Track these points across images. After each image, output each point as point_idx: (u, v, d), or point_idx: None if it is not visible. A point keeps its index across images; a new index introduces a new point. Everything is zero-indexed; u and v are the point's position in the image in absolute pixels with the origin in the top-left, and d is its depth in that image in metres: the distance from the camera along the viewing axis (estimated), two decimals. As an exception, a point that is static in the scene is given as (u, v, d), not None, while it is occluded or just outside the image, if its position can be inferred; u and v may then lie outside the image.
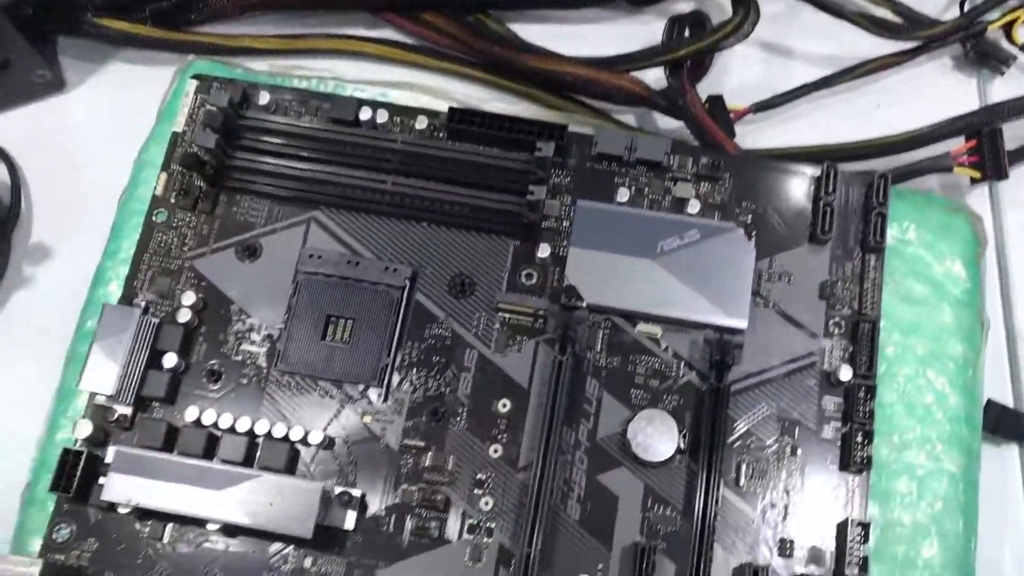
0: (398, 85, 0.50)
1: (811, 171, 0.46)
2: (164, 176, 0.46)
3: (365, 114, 0.46)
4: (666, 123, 0.53)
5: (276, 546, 0.40)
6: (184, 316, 0.43)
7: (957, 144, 0.49)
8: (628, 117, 0.53)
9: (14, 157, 0.52)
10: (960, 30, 0.52)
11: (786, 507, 0.41)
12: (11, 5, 0.48)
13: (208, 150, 0.44)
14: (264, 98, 0.47)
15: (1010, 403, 0.47)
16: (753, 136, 0.52)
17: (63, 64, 0.54)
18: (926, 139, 0.49)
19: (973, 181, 0.50)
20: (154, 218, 0.45)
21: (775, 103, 0.52)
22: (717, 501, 0.40)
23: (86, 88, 0.54)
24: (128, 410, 0.42)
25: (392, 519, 0.41)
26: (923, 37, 0.52)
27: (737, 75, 0.54)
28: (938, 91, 0.53)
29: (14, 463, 0.45)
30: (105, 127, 0.53)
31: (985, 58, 0.54)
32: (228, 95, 0.45)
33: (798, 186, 0.46)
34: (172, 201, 0.46)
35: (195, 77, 0.48)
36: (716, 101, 0.51)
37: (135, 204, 0.47)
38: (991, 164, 0.48)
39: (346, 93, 0.49)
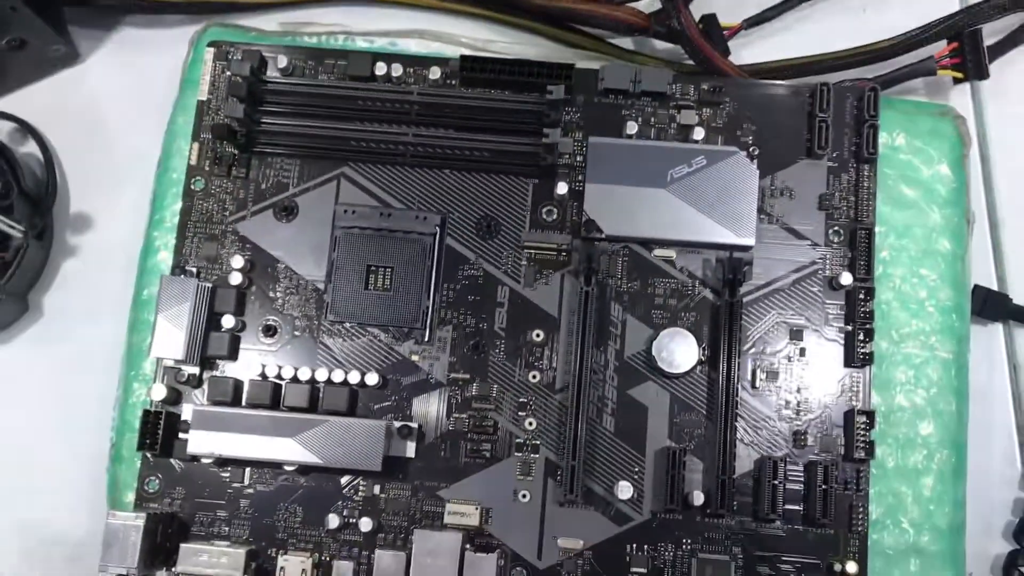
0: (407, 34, 0.52)
1: (805, 89, 0.48)
2: (196, 146, 0.48)
3: (380, 69, 0.48)
4: (664, 44, 0.55)
5: (347, 478, 0.45)
6: (235, 279, 0.47)
7: (940, 48, 0.52)
8: (628, 43, 0.55)
9: (41, 131, 0.54)
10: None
11: (798, 403, 0.46)
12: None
13: (237, 119, 0.47)
14: (282, 61, 0.48)
15: (994, 287, 0.51)
16: (747, 51, 0.54)
17: (73, 34, 0.55)
18: (910, 44, 0.52)
19: (956, 81, 0.52)
20: (192, 187, 0.48)
21: (766, 17, 0.54)
22: (736, 404, 0.45)
23: (100, 56, 0.56)
24: (196, 370, 0.46)
25: (447, 445, 0.46)
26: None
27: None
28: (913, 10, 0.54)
29: (92, 422, 0.50)
30: (123, 93, 0.55)
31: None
32: (248, 63, 0.47)
33: (794, 105, 0.48)
34: (207, 169, 0.48)
35: (211, 45, 0.50)
36: (710, 20, 0.53)
37: (171, 174, 0.50)
38: (972, 65, 0.51)
39: (357, 46, 0.51)
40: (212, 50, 0.50)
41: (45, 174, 0.52)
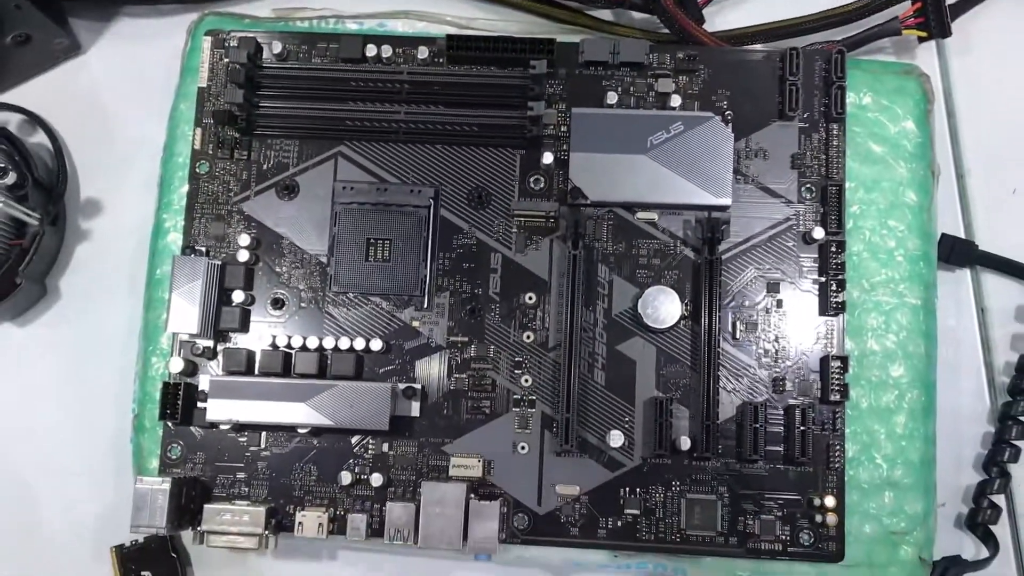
0: (394, 14, 0.54)
1: (776, 54, 0.51)
2: (199, 131, 0.51)
3: (371, 50, 0.51)
4: (641, 15, 0.57)
5: (357, 438, 0.48)
6: (243, 256, 0.49)
7: (905, 8, 0.54)
8: (607, 15, 0.57)
9: (49, 122, 0.56)
10: None
11: (776, 352, 0.49)
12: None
13: (237, 104, 0.49)
14: (277, 47, 0.51)
15: (961, 235, 0.54)
16: (720, 18, 0.57)
17: (74, 26, 0.58)
18: (877, 6, 0.54)
19: (921, 40, 0.55)
20: (197, 170, 0.51)
21: None
22: (718, 354, 0.48)
23: (100, 47, 0.58)
24: (210, 343, 0.49)
25: (449, 403, 0.49)
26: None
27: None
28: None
29: (111, 396, 0.53)
30: (124, 81, 0.57)
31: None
32: (245, 50, 0.49)
33: (765, 69, 0.51)
34: (210, 152, 0.51)
35: (208, 33, 0.52)
36: None
37: (176, 158, 0.52)
38: (935, 23, 0.53)
39: (347, 29, 0.53)
40: (209, 38, 0.52)
41: (55, 163, 0.55)
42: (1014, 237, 0.53)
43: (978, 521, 0.50)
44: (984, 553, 0.50)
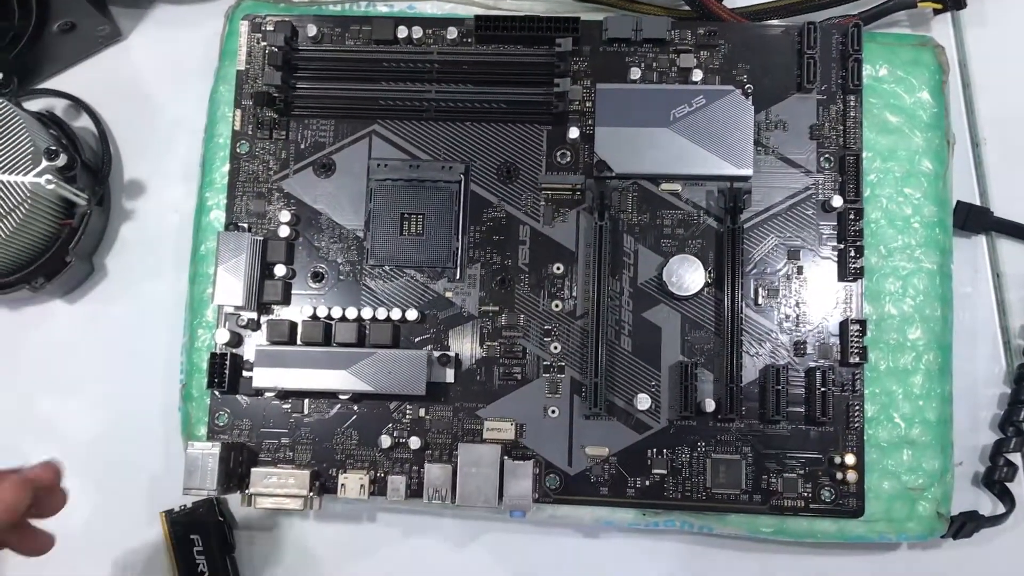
0: (419, -7, 0.56)
1: (794, 29, 0.52)
2: (239, 112, 0.53)
3: (402, 32, 0.53)
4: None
5: (395, 403, 0.50)
6: (284, 232, 0.52)
7: (920, -20, 0.55)
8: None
9: (93, 106, 0.59)
10: None
11: (797, 316, 0.50)
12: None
13: (276, 87, 0.51)
14: (312, 30, 0.53)
15: (977, 201, 0.55)
16: None
17: (115, 14, 0.60)
18: None
19: (936, 12, 0.56)
20: (238, 150, 0.53)
21: None
22: (741, 320, 0.49)
23: (140, 33, 0.61)
24: (254, 315, 0.51)
25: (483, 370, 0.51)
26: None
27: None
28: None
29: (159, 368, 0.55)
30: (164, 66, 0.60)
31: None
32: (282, 34, 0.52)
33: (784, 44, 0.52)
34: (250, 133, 0.53)
35: (245, 18, 0.54)
36: None
37: (217, 139, 0.54)
38: None
39: (378, 11, 0.55)
40: (247, 23, 0.54)
41: (100, 145, 0.57)
42: None
43: (995, 479, 0.51)
44: (1001, 509, 0.51)
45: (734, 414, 0.49)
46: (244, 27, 0.54)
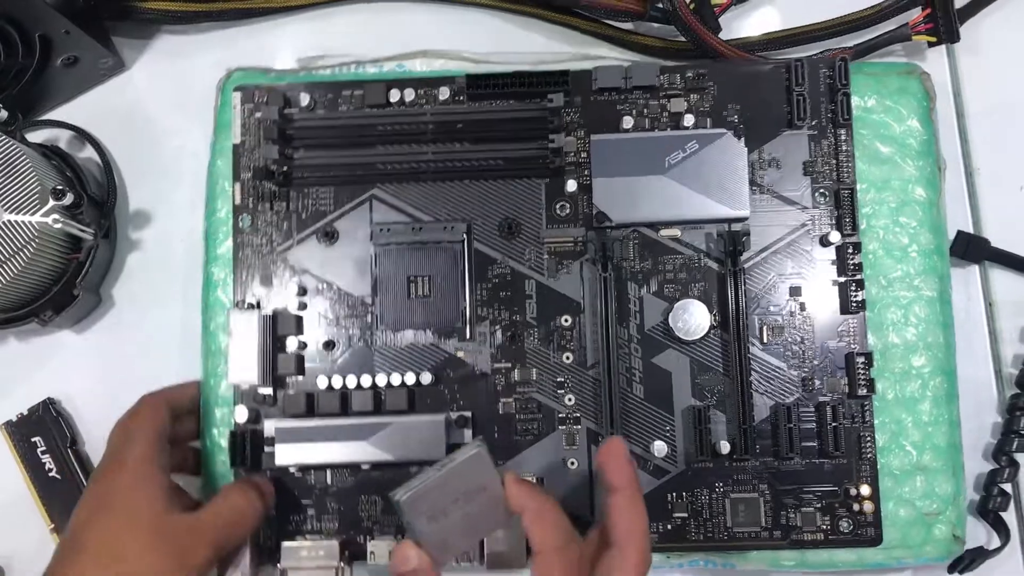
0: (412, 55, 0.56)
1: (781, 66, 0.53)
2: (238, 186, 0.53)
3: (394, 95, 0.53)
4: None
5: (416, 468, 0.51)
6: (292, 304, 0.52)
7: (915, 14, 0.56)
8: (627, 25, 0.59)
9: (97, 137, 0.59)
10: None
11: (803, 352, 0.51)
12: (65, 2, 0.54)
13: (274, 159, 0.52)
14: (304, 99, 0.53)
15: (970, 230, 0.56)
16: (736, 24, 0.59)
17: (118, 45, 0.60)
18: (887, 12, 0.56)
19: (930, 45, 0.56)
20: (240, 224, 0.53)
21: None
22: (749, 360, 0.50)
23: (143, 64, 0.61)
24: (269, 390, 0.52)
25: (500, 427, 0.51)
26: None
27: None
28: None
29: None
30: (168, 95, 0.61)
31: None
32: (275, 106, 0.52)
33: (772, 81, 0.53)
34: (251, 206, 0.53)
35: (237, 89, 0.54)
36: (701, 2, 0.56)
37: (218, 213, 0.54)
38: (944, 29, 0.55)
39: (368, 73, 0.55)
40: (239, 94, 0.54)
41: (104, 177, 0.58)
42: (1021, 232, 0.56)
43: (989, 508, 0.53)
44: (995, 538, 0.53)
45: (749, 454, 0.50)
46: (236, 99, 0.54)
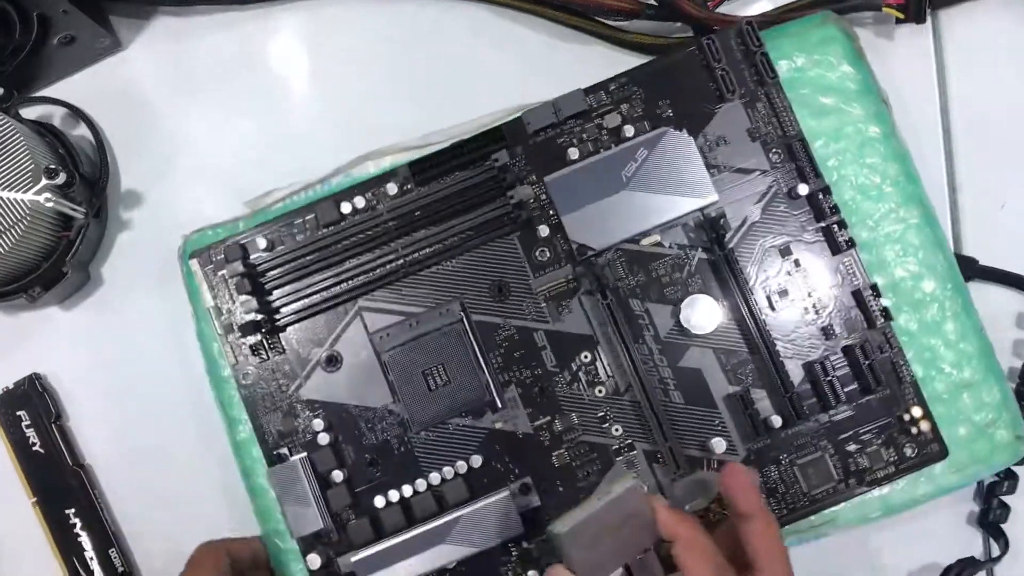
0: (355, 163, 0.56)
1: (694, 48, 0.54)
2: (228, 347, 0.53)
3: (345, 208, 0.53)
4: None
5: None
6: (323, 439, 0.52)
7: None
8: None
9: (91, 115, 0.59)
10: None
11: (813, 305, 0.52)
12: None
13: (255, 311, 0.52)
14: (261, 242, 0.53)
15: (951, 244, 0.56)
16: (726, 8, 0.58)
17: (115, 24, 0.61)
18: None
19: (898, 21, 0.57)
20: (243, 382, 0.53)
21: None
22: (768, 332, 0.51)
23: (140, 45, 0.62)
24: (331, 526, 0.51)
25: (561, 480, 0.52)
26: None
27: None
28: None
29: (153, 378, 0.58)
30: (164, 75, 0.61)
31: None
32: (237, 261, 0.52)
33: (691, 65, 0.54)
34: (247, 360, 0.53)
35: (192, 256, 0.54)
36: None
37: (221, 376, 0.54)
38: (914, 7, 0.55)
39: (319, 194, 0.55)
40: (195, 260, 0.54)
41: (97, 155, 0.58)
42: (1001, 249, 0.56)
43: (989, 520, 0.55)
44: (995, 548, 0.55)
45: (800, 418, 0.51)
46: (195, 265, 0.54)
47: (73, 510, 0.57)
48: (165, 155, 0.60)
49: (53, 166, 0.53)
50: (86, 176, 0.57)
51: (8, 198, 0.52)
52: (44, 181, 0.53)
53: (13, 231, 0.52)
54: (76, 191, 0.55)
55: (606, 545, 0.45)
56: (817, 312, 0.52)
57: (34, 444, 0.57)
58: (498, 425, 0.52)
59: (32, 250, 0.55)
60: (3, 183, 0.53)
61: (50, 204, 0.53)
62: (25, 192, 0.53)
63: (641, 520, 0.45)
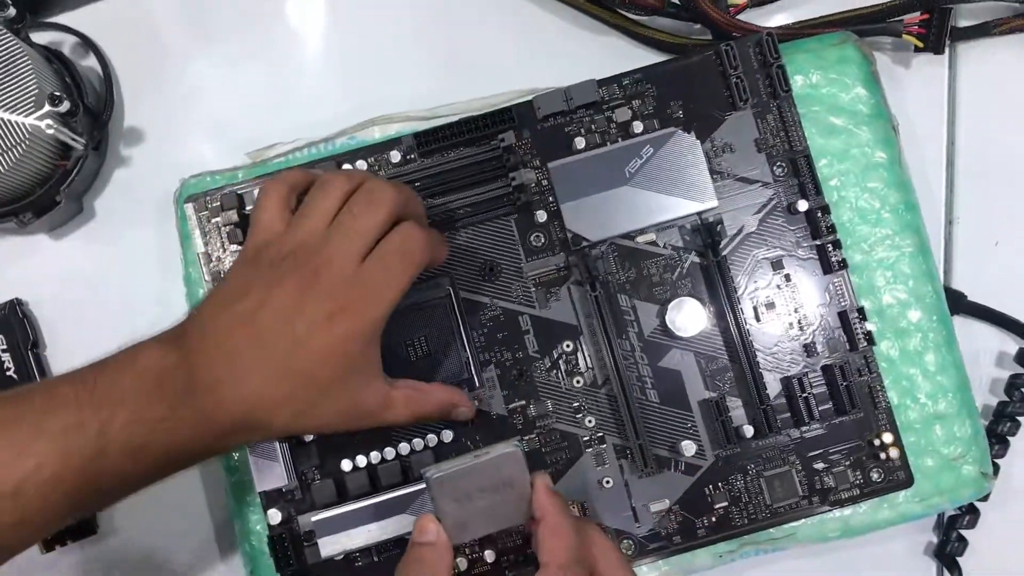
0: (361, 127, 0.56)
1: (712, 53, 0.54)
2: (214, 293, 0.53)
3: (346, 168, 0.53)
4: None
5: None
6: (299, 396, 0.52)
7: (915, 16, 0.55)
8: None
9: (101, 47, 0.59)
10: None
11: (799, 321, 0.53)
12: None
13: (244, 262, 0.51)
14: (257, 193, 0.53)
15: (941, 276, 0.57)
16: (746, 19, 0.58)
17: None
18: (891, 11, 0.56)
19: (916, 49, 0.57)
20: (226, 331, 0.53)
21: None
22: (750, 342, 0.52)
23: None
24: (295, 484, 0.51)
25: (529, 464, 0.51)
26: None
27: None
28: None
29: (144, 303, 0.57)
30: (179, 17, 0.61)
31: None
32: (233, 210, 0.52)
33: (707, 70, 0.54)
34: (232, 310, 0.53)
35: (188, 200, 0.54)
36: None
37: (201, 323, 0.54)
38: (933, 38, 0.55)
39: (321, 153, 0.55)
40: (191, 205, 0.54)
41: (103, 88, 0.58)
42: (990, 286, 0.57)
43: (946, 551, 0.55)
44: None
45: (772, 431, 0.51)
46: (190, 209, 0.54)
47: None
48: (172, 97, 0.59)
49: (58, 93, 0.52)
50: (90, 108, 0.57)
51: (8, 119, 0.52)
52: (47, 107, 0.52)
53: (10, 154, 0.52)
54: (78, 121, 0.55)
55: (476, 506, 0.45)
56: (801, 328, 0.53)
57: (8, 369, 0.57)
58: (475, 402, 0.52)
59: (27, 175, 0.54)
60: (5, 104, 0.52)
61: (50, 131, 0.53)
62: (27, 116, 0.52)
63: (518, 493, 0.45)
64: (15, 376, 0.57)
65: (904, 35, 0.56)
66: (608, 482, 0.52)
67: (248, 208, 0.53)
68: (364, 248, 0.44)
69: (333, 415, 0.45)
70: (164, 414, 0.42)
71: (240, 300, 0.44)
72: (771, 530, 0.52)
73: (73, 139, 0.54)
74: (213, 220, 0.53)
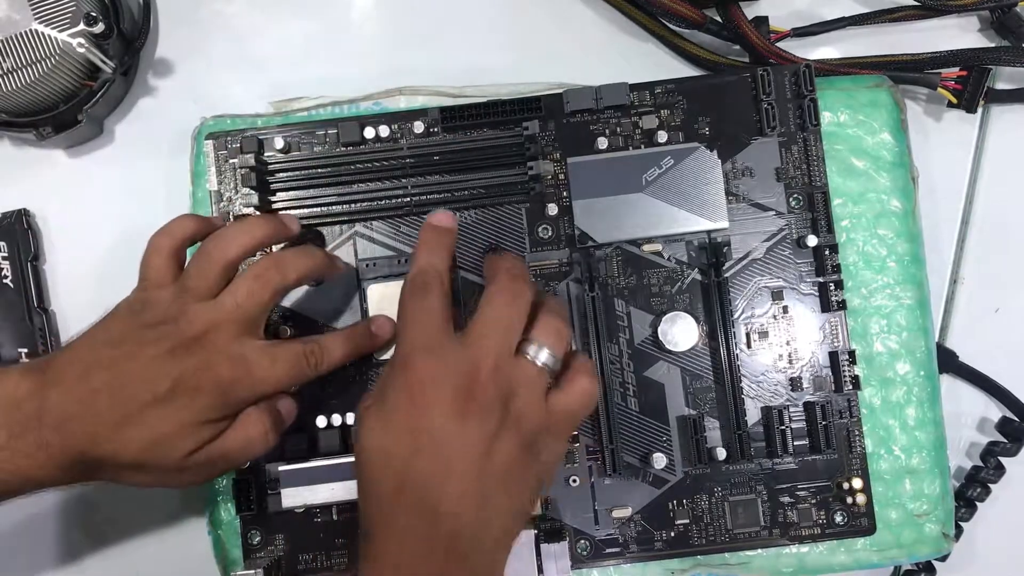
0: (388, 93, 0.56)
1: (748, 76, 0.54)
2: (220, 234, 0.53)
3: (369, 133, 0.53)
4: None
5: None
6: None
7: (953, 71, 0.55)
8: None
9: None
10: (991, 2, 0.56)
11: (789, 354, 0.53)
12: None
13: (254, 206, 0.52)
14: (279, 142, 0.53)
15: (936, 334, 0.56)
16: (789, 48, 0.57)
17: None
18: (931, 63, 0.56)
19: (949, 104, 0.56)
20: (225, 271, 0.53)
21: (812, 31, 0.57)
22: (738, 367, 0.52)
23: None
24: (269, 433, 0.52)
25: (500, 451, 0.52)
26: (957, 7, 0.56)
27: (782, 6, 0.59)
28: (955, 45, 0.56)
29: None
30: None
31: (1006, 30, 0.57)
32: (251, 153, 0.52)
33: (740, 91, 0.54)
34: (234, 252, 0.53)
35: (209, 137, 0.54)
36: (760, 21, 0.56)
37: (202, 260, 0.54)
38: (967, 96, 0.55)
39: (344, 113, 0.55)
40: (211, 142, 0.54)
41: (141, 16, 0.58)
42: (983, 351, 0.57)
43: None
44: None
45: (744, 457, 0.51)
46: (209, 147, 0.54)
47: (26, 350, 0.57)
48: (208, 34, 0.59)
49: (95, 14, 0.53)
50: (124, 32, 0.57)
51: (42, 31, 0.52)
52: (81, 26, 0.52)
53: (38, 66, 0.53)
54: (111, 44, 0.55)
55: None
56: (791, 361, 0.53)
57: (5, 277, 0.57)
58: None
59: (52, 90, 0.55)
60: (41, 16, 0.52)
61: (81, 50, 0.53)
62: (60, 31, 0.52)
63: None
64: (11, 284, 0.57)
65: (939, 88, 0.56)
66: (575, 480, 0.52)
67: (267, 154, 0.53)
68: (243, 328, 0.46)
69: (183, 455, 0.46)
70: (1, 442, 0.43)
71: (114, 347, 0.45)
72: (726, 555, 0.53)
73: (103, 61, 0.54)
74: (231, 161, 0.54)
